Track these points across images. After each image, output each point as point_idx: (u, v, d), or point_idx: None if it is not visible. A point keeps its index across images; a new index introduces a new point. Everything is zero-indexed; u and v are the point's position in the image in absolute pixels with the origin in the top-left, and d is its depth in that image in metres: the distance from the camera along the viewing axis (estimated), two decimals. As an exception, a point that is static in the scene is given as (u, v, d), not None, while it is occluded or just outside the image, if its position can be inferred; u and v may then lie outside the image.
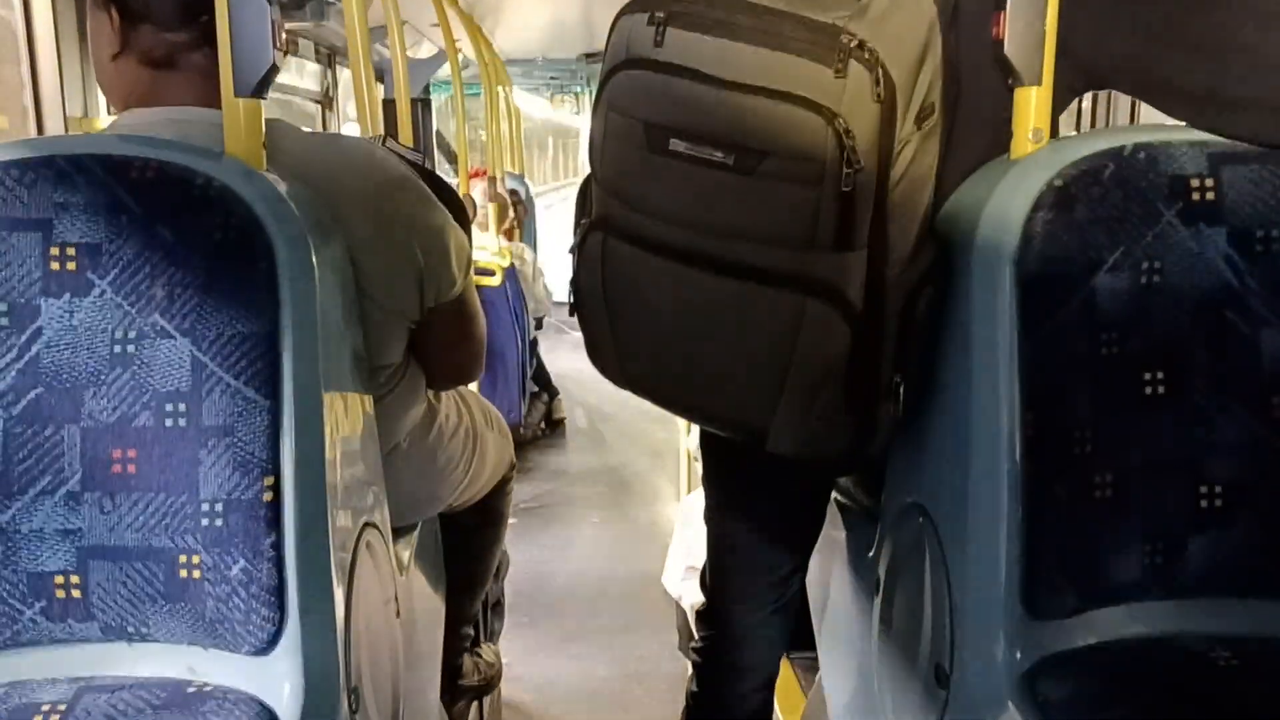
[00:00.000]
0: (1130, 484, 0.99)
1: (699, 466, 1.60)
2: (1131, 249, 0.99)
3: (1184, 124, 1.04)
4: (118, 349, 0.96)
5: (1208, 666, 0.94)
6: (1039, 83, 1.01)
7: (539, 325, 5.12)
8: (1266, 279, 1.00)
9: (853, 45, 0.97)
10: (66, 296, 0.97)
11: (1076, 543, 0.98)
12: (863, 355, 1.05)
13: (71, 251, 0.97)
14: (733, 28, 1.02)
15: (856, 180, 0.99)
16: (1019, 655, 0.97)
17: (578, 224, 1.25)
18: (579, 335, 1.30)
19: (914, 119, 1.02)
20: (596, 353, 1.27)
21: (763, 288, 1.05)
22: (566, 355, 5.30)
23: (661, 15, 1.06)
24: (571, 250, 1.26)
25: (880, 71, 0.98)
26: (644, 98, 1.07)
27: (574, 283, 1.26)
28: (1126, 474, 0.99)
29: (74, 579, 0.96)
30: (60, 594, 0.96)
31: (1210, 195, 1.00)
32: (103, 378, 0.96)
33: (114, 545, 0.96)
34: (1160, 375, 1.00)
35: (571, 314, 1.29)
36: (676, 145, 1.04)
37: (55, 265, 0.97)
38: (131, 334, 0.96)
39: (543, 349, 5.13)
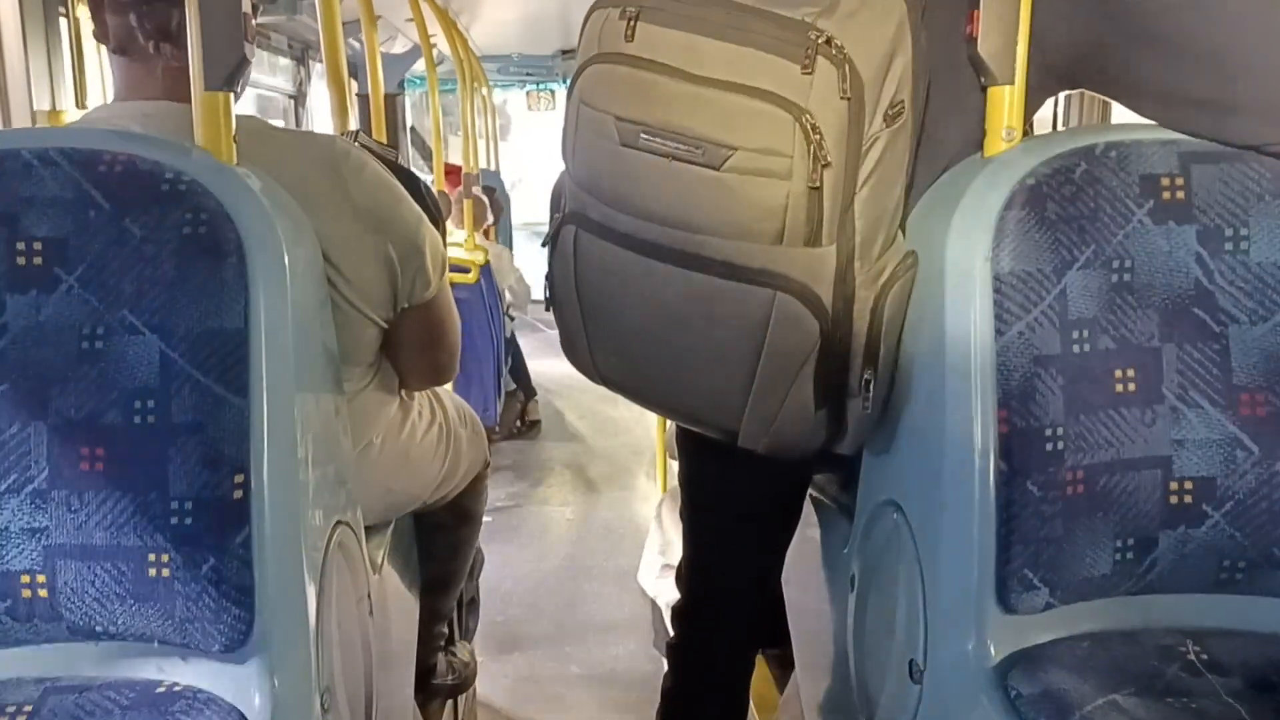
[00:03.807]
0: (1101, 481, 1.00)
1: (675, 464, 1.60)
2: (1103, 247, 1.00)
3: (1155, 123, 1.05)
4: (85, 345, 0.95)
5: (1178, 660, 0.95)
6: (1012, 81, 1.01)
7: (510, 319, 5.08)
8: (1235, 277, 1.01)
9: (820, 41, 0.97)
10: (33, 292, 0.95)
11: (1048, 539, 0.98)
12: (832, 351, 1.05)
13: (38, 246, 0.95)
14: (702, 23, 1.02)
15: (825, 176, 0.99)
16: (992, 650, 0.98)
17: (552, 219, 1.25)
18: (554, 332, 1.30)
19: (883, 116, 1.02)
20: (571, 348, 1.27)
21: (732, 283, 1.05)
22: (542, 352, 5.29)
23: (633, 10, 1.06)
24: (545, 244, 1.26)
25: (848, 68, 0.98)
26: (615, 92, 1.07)
27: (549, 278, 1.26)
28: (1098, 471, 0.99)
29: (40, 578, 0.95)
30: (26, 594, 0.95)
31: (1180, 194, 1.01)
32: (70, 374, 0.95)
33: (82, 544, 0.94)
34: (1131, 373, 1.00)
35: (547, 309, 1.29)
36: (647, 139, 1.04)
37: (21, 260, 0.95)
38: (99, 330, 0.95)
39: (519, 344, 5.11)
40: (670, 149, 1.02)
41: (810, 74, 0.97)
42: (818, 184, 0.99)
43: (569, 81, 1.16)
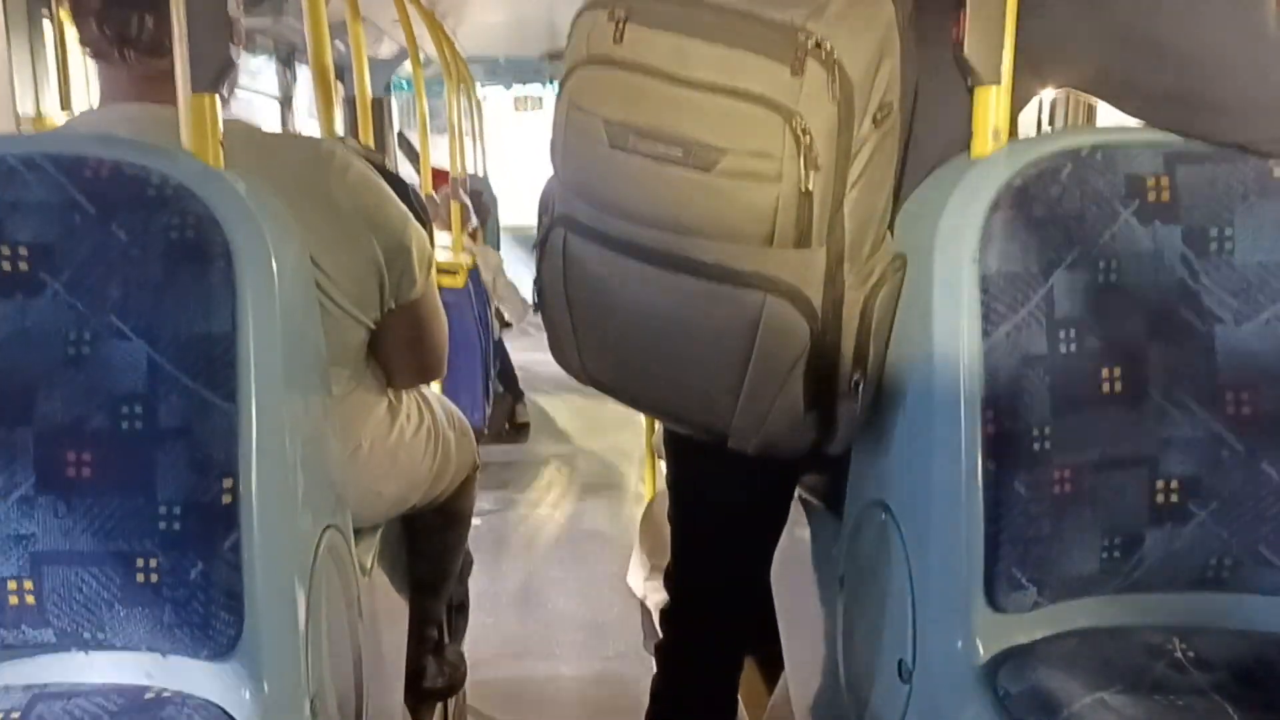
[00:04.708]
0: (1088, 480, 1.00)
1: (663, 465, 1.60)
2: (1089, 248, 1.00)
3: (1140, 124, 1.06)
4: (71, 350, 0.94)
5: (1164, 658, 0.96)
6: (998, 82, 1.02)
7: (505, 325, 5.08)
8: (1220, 277, 1.02)
9: (810, 44, 0.98)
10: (18, 297, 0.95)
11: (1036, 538, 0.99)
12: (822, 353, 1.06)
13: (23, 251, 0.95)
14: (691, 25, 1.02)
15: (815, 178, 0.99)
16: (980, 649, 0.99)
17: (540, 222, 1.25)
18: (543, 334, 1.30)
19: (872, 118, 1.02)
20: (559, 350, 1.27)
21: (722, 285, 1.05)
22: (530, 353, 5.28)
23: (621, 12, 1.06)
24: (534, 248, 1.26)
25: (837, 71, 0.98)
26: (604, 95, 1.07)
27: (537, 280, 1.26)
28: (1085, 470, 1.00)
29: (28, 584, 0.94)
30: (13, 600, 0.94)
31: (1165, 195, 1.02)
32: (56, 380, 0.94)
33: (69, 550, 0.94)
34: (1117, 372, 1.01)
35: (535, 312, 1.29)
36: (636, 142, 1.04)
37: (6, 265, 0.95)
38: (86, 335, 0.94)
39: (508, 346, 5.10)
40: (660, 152, 1.02)
41: (800, 76, 0.97)
42: (808, 186, 0.99)
43: (558, 85, 1.16)
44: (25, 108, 1.89)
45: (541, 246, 1.23)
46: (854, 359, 1.06)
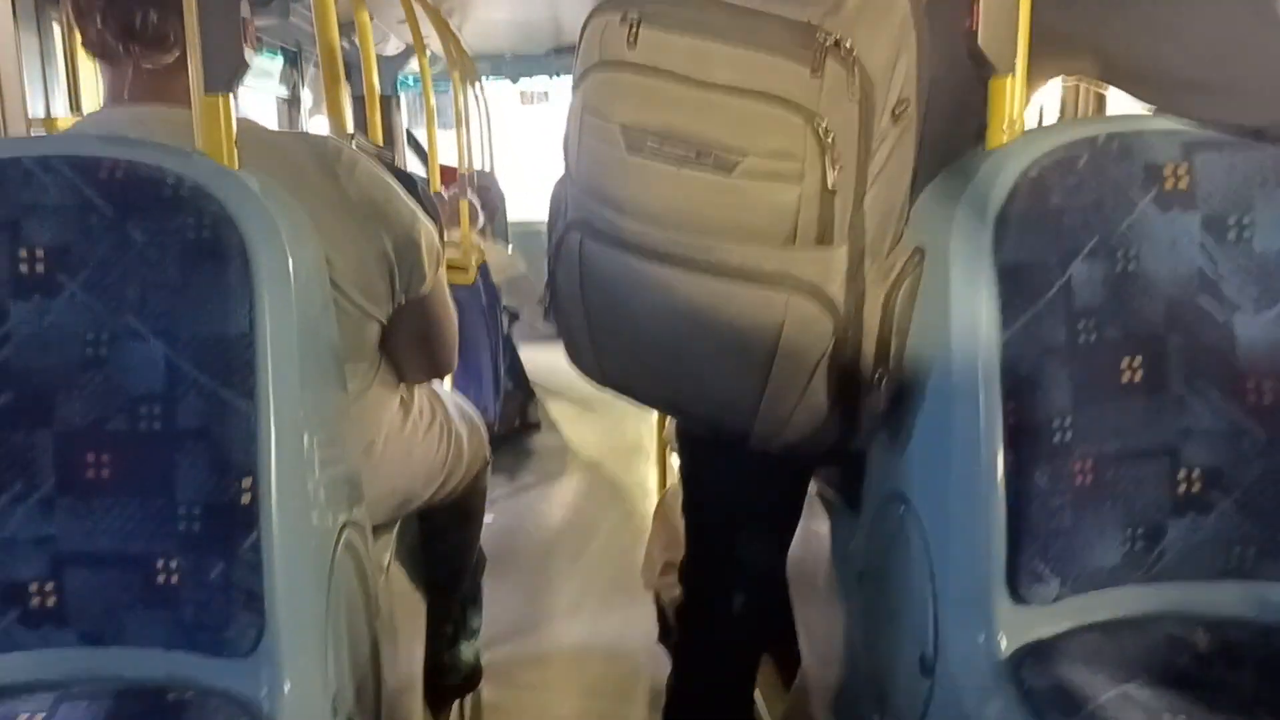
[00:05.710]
0: (1110, 470, 1.00)
1: (675, 459, 1.59)
2: (1107, 237, 1.00)
3: (1154, 112, 1.05)
4: (90, 351, 0.95)
5: (1189, 650, 0.95)
6: (1013, 73, 1.01)
7: (515, 317, 5.07)
8: (1239, 264, 1.02)
9: (829, 43, 0.97)
10: (36, 299, 0.95)
11: (1058, 529, 0.98)
12: (845, 350, 1.05)
13: (40, 253, 0.95)
14: (707, 27, 1.01)
15: (836, 177, 0.99)
16: (1003, 642, 0.98)
17: (553, 226, 1.24)
18: (550, 331, 1.29)
19: (890, 114, 1.01)
20: (576, 354, 1.26)
21: (744, 286, 1.04)
22: (537, 348, 5.27)
23: (634, 15, 1.05)
24: (548, 253, 1.26)
25: (857, 69, 0.97)
26: (620, 99, 1.07)
27: (551, 284, 1.25)
28: (1106, 460, 1.00)
29: (49, 586, 0.95)
30: (36, 601, 0.95)
31: (1184, 182, 1.01)
32: (75, 381, 0.94)
33: (90, 551, 0.94)
34: (1137, 362, 1.00)
35: (547, 317, 1.28)
36: (654, 146, 1.03)
37: (24, 267, 0.95)
38: (104, 336, 0.94)
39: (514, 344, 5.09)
40: (679, 155, 1.02)
41: (820, 76, 0.97)
42: (830, 186, 0.98)
43: (571, 88, 1.16)
44: (35, 110, 1.90)
45: (556, 251, 1.22)
46: (876, 355, 1.06)
